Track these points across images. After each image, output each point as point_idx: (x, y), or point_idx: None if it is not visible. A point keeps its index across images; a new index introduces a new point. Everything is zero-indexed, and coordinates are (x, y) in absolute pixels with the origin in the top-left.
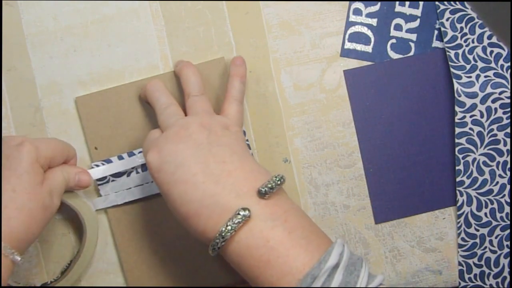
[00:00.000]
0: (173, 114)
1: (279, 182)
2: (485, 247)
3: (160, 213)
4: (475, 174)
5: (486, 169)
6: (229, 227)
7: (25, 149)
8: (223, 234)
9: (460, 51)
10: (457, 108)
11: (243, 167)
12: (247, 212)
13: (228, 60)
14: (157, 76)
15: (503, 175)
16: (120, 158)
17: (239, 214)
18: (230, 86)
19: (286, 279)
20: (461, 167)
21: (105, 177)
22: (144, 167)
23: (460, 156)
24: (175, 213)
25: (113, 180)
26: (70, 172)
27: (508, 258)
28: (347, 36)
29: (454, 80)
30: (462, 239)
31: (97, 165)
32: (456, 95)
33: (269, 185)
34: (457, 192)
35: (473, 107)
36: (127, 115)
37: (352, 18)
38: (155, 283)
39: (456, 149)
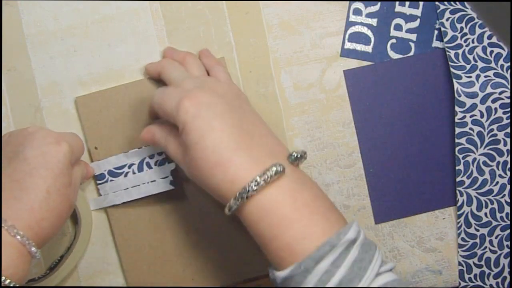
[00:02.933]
0: (195, 80)
1: (304, 154)
2: (485, 247)
3: (160, 213)
4: (475, 174)
5: (486, 169)
6: (263, 177)
7: (64, 150)
8: (256, 182)
9: (460, 51)
10: (457, 108)
11: (271, 134)
12: (281, 168)
13: (228, 59)
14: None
15: (503, 175)
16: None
17: (274, 167)
18: (216, 76)
19: (305, 242)
20: (461, 167)
21: (104, 176)
22: (140, 167)
23: (460, 156)
24: (203, 161)
25: (111, 180)
26: (83, 167)
27: (508, 258)
28: (347, 36)
29: (454, 80)
30: (462, 239)
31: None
32: (456, 95)
33: (299, 152)
34: (457, 192)
35: (473, 107)
36: (127, 115)
37: (352, 18)
38: (155, 283)
39: (456, 149)
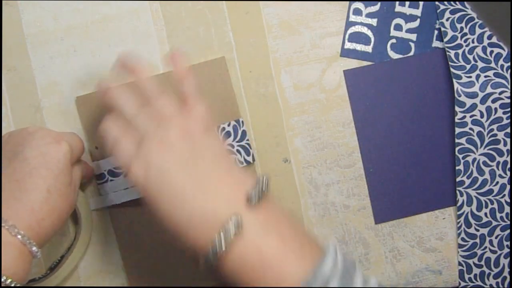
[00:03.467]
0: (146, 122)
1: (266, 183)
2: (485, 247)
3: None
4: (475, 174)
5: (486, 169)
6: (222, 236)
7: (64, 149)
8: (217, 243)
9: (460, 51)
10: (457, 108)
11: (230, 171)
12: (238, 218)
13: (228, 59)
14: (157, 76)
15: (503, 175)
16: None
17: (230, 221)
18: (185, 87)
19: None
20: (461, 167)
21: (104, 176)
22: None
23: (460, 156)
24: (166, 227)
25: (111, 180)
26: (83, 167)
27: (508, 258)
28: (347, 36)
29: (454, 80)
30: (462, 239)
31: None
32: (456, 95)
33: (257, 189)
34: (457, 192)
35: (473, 107)
36: None
37: (352, 18)
38: (155, 283)
39: (456, 149)
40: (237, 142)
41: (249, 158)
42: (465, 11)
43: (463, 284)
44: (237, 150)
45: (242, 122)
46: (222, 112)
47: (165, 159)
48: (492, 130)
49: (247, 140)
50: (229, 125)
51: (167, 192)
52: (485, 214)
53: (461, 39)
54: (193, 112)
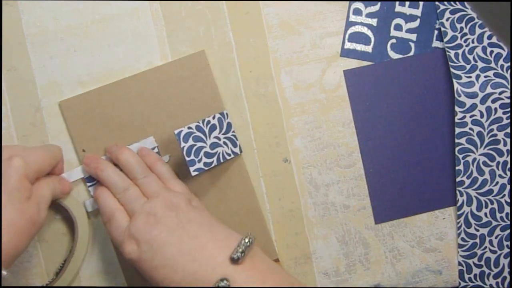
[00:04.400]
0: (134, 198)
1: (248, 244)
2: (485, 247)
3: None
4: (475, 174)
5: (486, 169)
6: None
7: (15, 165)
8: None
9: (460, 51)
10: (457, 108)
11: (215, 237)
12: (225, 282)
13: (228, 59)
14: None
15: (503, 175)
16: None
17: (218, 286)
18: (158, 173)
19: None
20: (461, 167)
21: (93, 179)
22: None
23: (460, 156)
24: None
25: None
26: (55, 182)
27: (508, 258)
28: (347, 36)
29: (454, 80)
30: (462, 239)
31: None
32: (456, 95)
33: (240, 250)
34: (457, 192)
35: (473, 107)
36: (112, 115)
37: (352, 18)
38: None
39: (456, 149)
40: (223, 134)
41: (236, 150)
42: (465, 11)
43: (463, 284)
44: (224, 143)
45: (227, 114)
46: (206, 106)
47: (153, 234)
48: (492, 130)
49: (233, 131)
50: (213, 118)
51: (159, 264)
52: (485, 214)
53: (461, 39)
54: (175, 188)
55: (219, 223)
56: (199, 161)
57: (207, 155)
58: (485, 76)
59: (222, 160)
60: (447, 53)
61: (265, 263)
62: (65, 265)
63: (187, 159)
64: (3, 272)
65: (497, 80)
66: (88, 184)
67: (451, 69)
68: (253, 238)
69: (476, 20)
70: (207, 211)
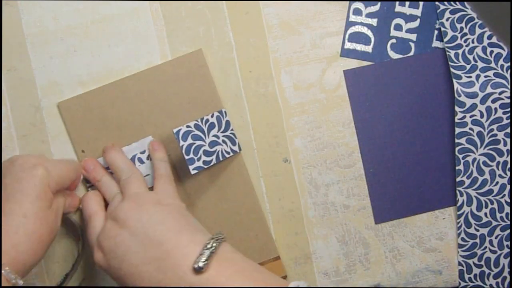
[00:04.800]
0: (116, 203)
1: (214, 249)
2: (485, 247)
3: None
4: (475, 174)
5: (486, 169)
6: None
7: (39, 174)
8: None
9: (460, 51)
10: (457, 108)
11: (180, 242)
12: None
13: (227, 59)
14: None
15: (503, 175)
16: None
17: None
18: (154, 167)
19: None
20: (461, 167)
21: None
22: (133, 162)
23: (460, 156)
24: None
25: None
26: (66, 196)
27: (508, 258)
28: (347, 36)
29: (454, 80)
30: (462, 239)
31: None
32: (456, 95)
33: (203, 259)
34: (457, 192)
35: (473, 107)
36: (111, 115)
37: (352, 18)
38: None
39: (456, 149)
40: (221, 132)
41: (236, 148)
42: (465, 11)
43: (463, 284)
44: (223, 141)
45: (225, 112)
46: (205, 104)
47: (117, 241)
48: (492, 130)
49: (232, 130)
50: (212, 116)
51: (126, 272)
52: (485, 214)
53: (461, 39)
54: (156, 187)
55: (188, 224)
56: (198, 159)
57: (206, 153)
58: (485, 76)
59: (221, 158)
60: (447, 53)
61: (235, 265)
62: (74, 268)
63: (186, 157)
64: (20, 282)
65: (497, 80)
66: (88, 185)
67: (451, 69)
68: (221, 238)
69: (476, 20)
70: (179, 209)
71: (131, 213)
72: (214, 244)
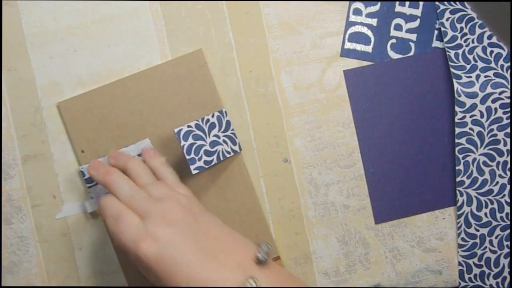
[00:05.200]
0: (145, 200)
1: (270, 246)
2: (485, 247)
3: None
4: (475, 174)
5: (486, 169)
6: None
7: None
8: None
9: (460, 51)
10: (457, 108)
11: (233, 239)
12: (253, 281)
13: (227, 59)
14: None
15: (503, 175)
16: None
17: (248, 282)
18: (159, 176)
19: None
20: (461, 167)
21: (92, 180)
22: None
23: (460, 156)
24: None
25: None
26: None
27: (508, 258)
28: (347, 36)
29: (454, 80)
30: (462, 239)
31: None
32: (456, 95)
33: (263, 251)
34: (457, 192)
35: (473, 107)
36: (111, 115)
37: (352, 18)
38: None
39: (456, 149)
40: (222, 132)
41: (236, 148)
42: (465, 11)
43: (463, 284)
44: (223, 141)
45: (226, 112)
46: (205, 104)
47: (173, 231)
48: (492, 130)
49: (232, 130)
50: (213, 116)
51: (179, 267)
52: (485, 214)
53: (461, 39)
54: (184, 192)
55: (232, 230)
56: (199, 159)
57: (207, 153)
58: (485, 76)
59: (222, 158)
60: (447, 53)
61: (283, 270)
62: None
63: (188, 157)
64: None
65: (497, 80)
66: (88, 185)
67: (451, 69)
68: (269, 244)
69: (476, 20)
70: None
71: (182, 209)
72: (269, 245)
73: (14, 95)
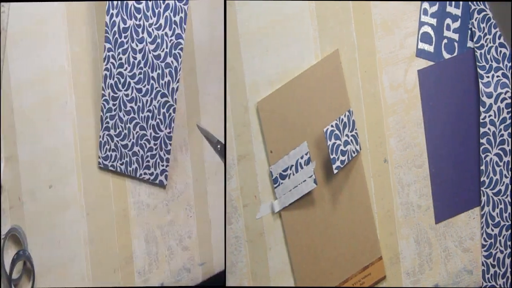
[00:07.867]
0: None
1: None
2: (497, 247)
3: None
4: (491, 174)
5: (497, 169)
6: None
7: None
8: None
9: (482, 51)
10: (481, 108)
11: None
12: None
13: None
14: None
15: (507, 175)
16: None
17: None
18: None
19: None
20: (483, 167)
21: (277, 180)
22: (296, 168)
23: (483, 156)
24: None
25: (281, 183)
26: None
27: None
28: (419, 36)
29: (479, 80)
30: (484, 239)
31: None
32: (480, 95)
33: None
34: (481, 192)
35: (490, 107)
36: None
37: (423, 18)
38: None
39: (480, 149)
40: (350, 132)
41: (358, 147)
42: (485, 10)
43: (484, 284)
44: (351, 140)
45: (352, 111)
46: (337, 105)
47: None
48: (500, 130)
49: (356, 129)
50: (345, 115)
51: None
52: (497, 214)
53: (483, 38)
54: None
55: None
56: (338, 158)
57: (342, 152)
58: (497, 76)
59: (350, 158)
60: (475, 53)
61: None
62: None
63: (331, 156)
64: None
65: (504, 80)
66: (275, 185)
67: (478, 69)
68: None
69: (492, 20)
70: None
71: None
72: None
73: (232, 94)
